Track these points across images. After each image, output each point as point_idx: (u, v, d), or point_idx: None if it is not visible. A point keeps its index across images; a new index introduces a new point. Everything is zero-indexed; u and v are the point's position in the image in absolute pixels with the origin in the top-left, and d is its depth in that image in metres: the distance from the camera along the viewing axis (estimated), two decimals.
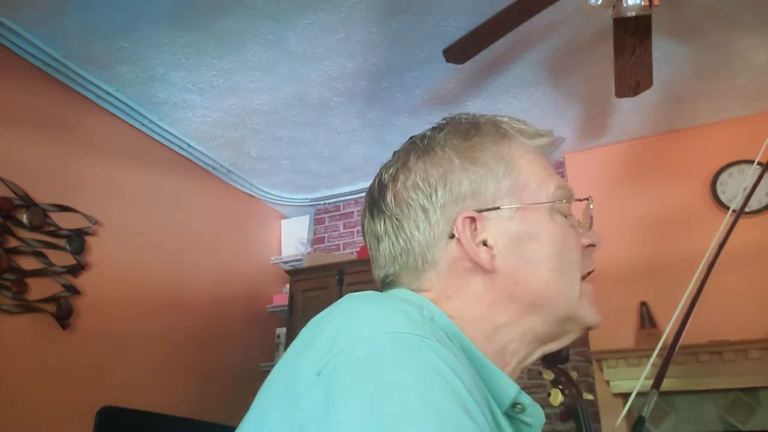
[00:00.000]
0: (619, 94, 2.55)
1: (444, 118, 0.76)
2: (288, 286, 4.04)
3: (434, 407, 0.44)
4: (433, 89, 3.18)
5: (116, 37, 2.71)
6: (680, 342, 1.15)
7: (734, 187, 3.37)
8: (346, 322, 0.53)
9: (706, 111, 3.48)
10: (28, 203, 2.69)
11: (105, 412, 1.78)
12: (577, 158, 3.87)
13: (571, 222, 0.72)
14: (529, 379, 3.33)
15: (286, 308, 4.00)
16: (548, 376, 1.48)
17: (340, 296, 0.59)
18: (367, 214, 0.75)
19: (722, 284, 2.87)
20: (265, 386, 0.55)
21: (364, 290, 0.62)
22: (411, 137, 0.76)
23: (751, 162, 3.07)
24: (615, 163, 3.78)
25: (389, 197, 0.71)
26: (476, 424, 0.45)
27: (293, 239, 4.51)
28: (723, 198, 3.41)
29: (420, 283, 0.69)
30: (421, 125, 0.78)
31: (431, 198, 0.68)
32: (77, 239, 2.90)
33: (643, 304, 3.37)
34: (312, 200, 4.51)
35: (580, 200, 0.75)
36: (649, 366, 1.23)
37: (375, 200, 0.73)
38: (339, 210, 4.50)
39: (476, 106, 3.31)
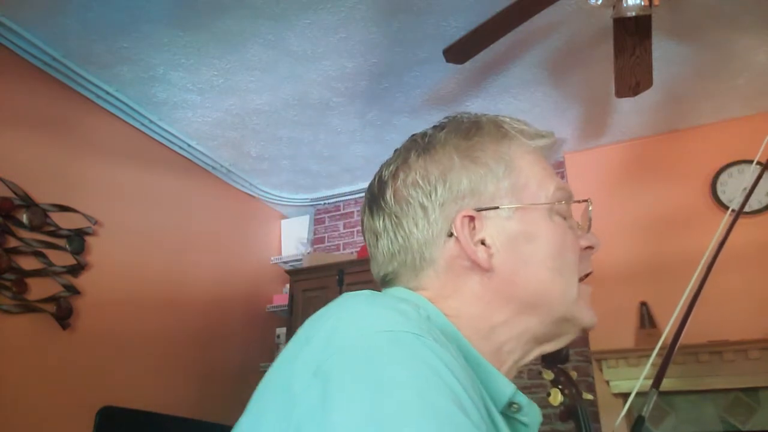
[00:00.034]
0: (619, 94, 2.55)
1: (445, 117, 0.76)
2: (288, 286, 4.04)
3: (431, 405, 0.45)
4: (433, 89, 3.18)
5: (116, 37, 2.71)
6: (680, 342, 1.15)
7: (734, 187, 3.37)
8: (342, 321, 0.53)
9: (706, 111, 3.48)
10: (28, 203, 2.69)
11: (105, 412, 1.78)
12: (577, 158, 3.87)
13: (570, 224, 0.72)
14: (529, 379, 3.33)
15: (286, 308, 4.00)
16: (548, 375, 1.48)
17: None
18: (366, 210, 0.75)
19: (722, 284, 2.87)
20: (261, 386, 0.55)
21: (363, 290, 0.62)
22: (412, 135, 0.76)
23: (751, 162, 3.07)
24: (615, 163, 3.78)
25: (389, 194, 0.71)
26: (472, 422, 0.46)
27: (293, 239, 4.51)
28: (723, 198, 3.41)
29: (418, 281, 0.69)
30: (421, 125, 0.78)
31: (431, 196, 0.68)
32: (77, 239, 2.90)
33: (643, 304, 3.37)
34: (312, 200, 4.51)
35: (579, 202, 0.75)
36: (648, 366, 1.23)
37: (375, 197, 0.73)
38: (339, 210, 4.50)
39: (476, 106, 3.31)
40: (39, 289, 2.69)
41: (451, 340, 0.57)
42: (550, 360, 1.48)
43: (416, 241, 0.68)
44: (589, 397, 1.49)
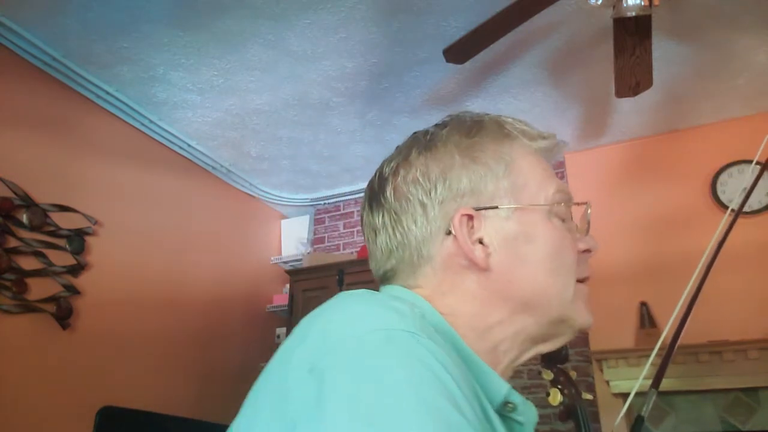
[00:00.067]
0: (619, 94, 2.55)
1: (448, 115, 0.76)
2: (288, 286, 4.04)
3: (425, 403, 0.45)
4: (433, 89, 3.18)
5: (116, 37, 2.71)
6: (680, 342, 1.15)
7: (734, 187, 3.37)
8: (338, 320, 0.53)
9: (706, 111, 3.48)
10: (28, 203, 2.69)
11: (105, 412, 1.78)
12: (577, 158, 3.87)
13: (569, 226, 0.71)
14: (529, 379, 3.34)
15: (286, 308, 4.00)
16: (547, 375, 1.48)
17: None
18: (366, 206, 0.75)
19: (722, 284, 2.86)
20: (257, 386, 0.55)
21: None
22: (414, 132, 0.76)
23: (751, 162, 3.07)
24: (615, 163, 3.78)
25: (389, 191, 0.71)
26: (467, 420, 0.46)
27: (293, 239, 4.51)
28: (723, 198, 3.41)
29: (416, 278, 0.69)
30: (421, 125, 0.78)
31: (430, 194, 0.68)
32: (77, 239, 2.90)
33: (643, 304, 3.37)
34: (312, 200, 4.52)
35: (578, 204, 0.75)
36: (648, 366, 1.23)
37: (375, 193, 0.74)
38: (339, 210, 4.50)
39: (476, 106, 3.31)
40: (39, 289, 2.69)
41: (446, 339, 0.57)
42: (550, 360, 1.47)
43: (414, 238, 0.69)
44: (589, 396, 1.49)
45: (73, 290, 2.83)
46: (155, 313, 3.30)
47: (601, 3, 2.12)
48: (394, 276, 0.71)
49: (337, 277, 3.73)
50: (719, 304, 2.95)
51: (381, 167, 0.75)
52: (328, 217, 4.53)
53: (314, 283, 3.80)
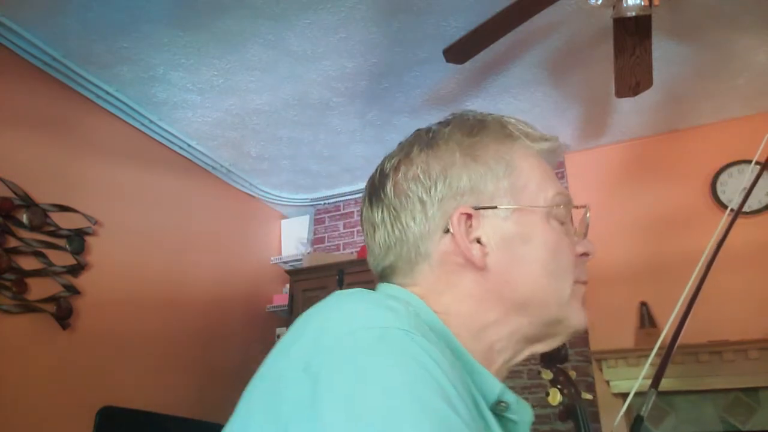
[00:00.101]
0: (619, 94, 2.55)
1: (451, 114, 0.76)
2: (288, 286, 4.04)
3: (420, 402, 0.45)
4: (433, 89, 3.18)
5: (116, 37, 2.71)
6: (680, 342, 1.15)
7: (734, 187, 3.37)
8: (332, 319, 0.53)
9: (706, 111, 3.48)
10: (28, 203, 2.69)
11: (105, 412, 1.79)
12: (577, 158, 3.87)
13: (567, 229, 0.72)
14: (529, 379, 3.34)
15: (286, 308, 4.00)
16: (547, 375, 1.48)
17: None
18: (366, 201, 0.75)
19: (722, 284, 2.87)
20: (252, 384, 0.55)
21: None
22: (417, 130, 0.76)
23: (751, 162, 3.07)
24: (615, 163, 3.78)
25: (389, 187, 0.72)
26: (461, 418, 0.46)
27: (293, 239, 4.51)
28: (723, 198, 3.41)
29: (413, 275, 0.69)
30: (420, 125, 0.78)
31: (430, 191, 0.68)
32: (77, 239, 2.90)
33: (643, 304, 3.37)
34: (312, 200, 4.52)
35: (577, 207, 0.75)
36: (647, 365, 1.23)
37: (375, 189, 0.74)
38: (339, 210, 4.50)
39: (476, 106, 3.31)
40: (39, 289, 2.69)
41: (440, 337, 0.57)
42: (549, 359, 1.48)
43: (412, 234, 0.69)
44: (588, 396, 1.49)
45: (73, 290, 2.83)
46: (155, 313, 3.30)
47: (601, 3, 2.12)
48: (393, 273, 0.71)
49: (337, 277, 3.73)
50: (719, 303, 2.95)
51: (382, 163, 0.75)
52: (328, 217, 4.53)
53: (314, 283, 3.80)
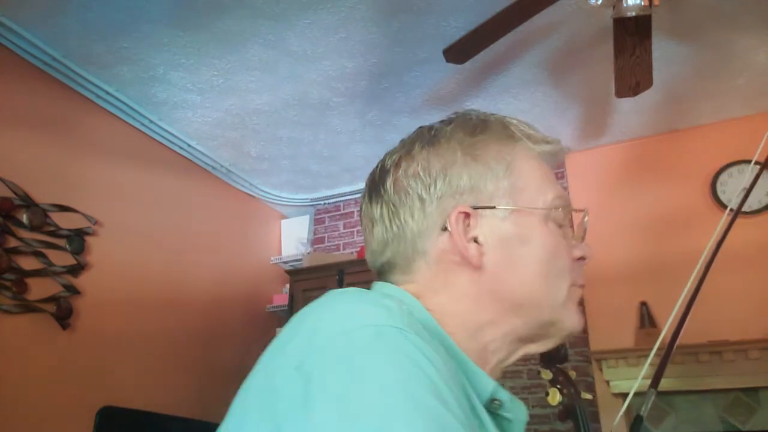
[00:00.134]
0: (619, 94, 2.55)
1: (454, 112, 0.76)
2: (288, 286, 4.04)
3: (413, 400, 0.45)
4: (433, 89, 3.18)
5: (116, 37, 2.71)
6: (680, 342, 1.15)
7: (734, 187, 3.37)
8: (325, 318, 0.54)
9: (706, 111, 3.48)
10: (28, 203, 2.69)
11: (105, 412, 1.79)
12: (577, 158, 3.87)
13: (565, 232, 0.72)
14: (529, 379, 3.34)
15: (286, 308, 4.00)
16: (546, 375, 1.48)
17: None
18: (366, 196, 0.76)
19: (722, 284, 2.87)
20: (246, 383, 0.56)
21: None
22: (419, 127, 0.76)
23: (751, 162, 3.07)
24: (615, 163, 3.78)
25: (389, 183, 0.72)
26: (454, 416, 0.46)
27: (293, 239, 4.51)
28: (723, 198, 3.41)
29: (410, 273, 0.70)
30: (421, 125, 0.78)
31: (430, 189, 0.69)
32: (77, 239, 2.90)
33: (643, 304, 3.37)
34: (312, 200, 4.52)
35: (576, 211, 0.76)
36: (646, 365, 1.23)
37: (375, 184, 0.74)
38: (339, 210, 4.50)
39: (476, 106, 3.31)
40: (39, 289, 2.69)
41: (434, 336, 0.57)
42: (549, 359, 1.48)
43: (410, 231, 0.69)
44: (588, 396, 1.49)
45: (73, 290, 2.83)
46: (155, 313, 3.30)
47: (601, 3, 2.12)
48: (390, 270, 0.72)
49: (337, 277, 3.73)
50: (719, 304, 2.95)
51: (383, 159, 0.76)
52: (328, 217, 4.53)
53: (314, 283, 3.80)
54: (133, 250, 3.23)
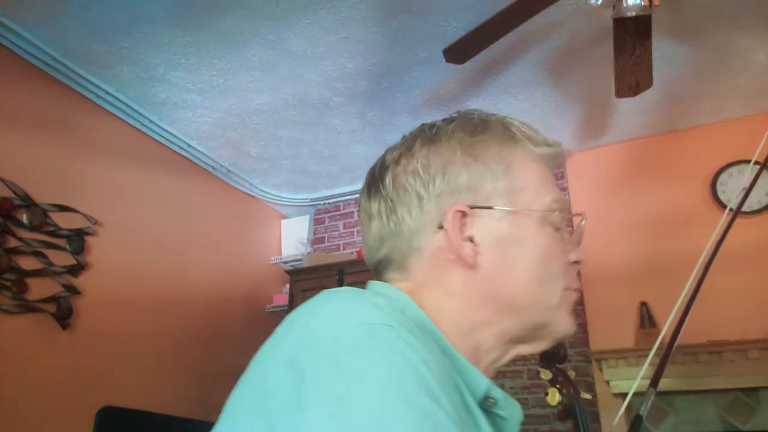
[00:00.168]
0: (619, 94, 2.55)
1: (456, 111, 0.77)
2: (288, 286, 4.04)
3: (404, 397, 0.45)
4: (433, 89, 3.18)
5: (116, 37, 2.71)
6: (680, 342, 1.15)
7: (734, 187, 3.37)
8: (319, 317, 0.54)
9: (706, 111, 3.48)
10: (28, 203, 2.69)
11: (105, 412, 1.79)
12: (577, 158, 3.87)
13: (561, 236, 0.72)
14: (529, 379, 3.34)
15: (286, 308, 4.00)
16: (545, 375, 1.48)
17: None
18: (365, 191, 0.76)
19: (722, 284, 2.87)
20: (240, 383, 0.56)
21: None
22: (421, 124, 0.76)
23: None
24: (615, 163, 3.78)
25: (388, 179, 0.72)
26: (446, 413, 0.46)
27: (293, 239, 4.51)
28: (723, 198, 3.41)
29: (406, 270, 0.70)
30: (422, 123, 0.78)
31: (428, 186, 0.69)
32: (77, 239, 2.90)
33: (643, 304, 3.37)
34: (312, 200, 4.52)
35: (573, 215, 0.76)
36: (646, 365, 1.23)
37: (374, 180, 0.75)
38: (339, 210, 4.50)
39: (476, 106, 3.31)
40: (39, 289, 2.69)
41: (427, 334, 0.58)
42: (548, 359, 1.48)
43: (407, 228, 0.69)
44: (587, 396, 1.49)
45: (73, 290, 2.83)
46: (155, 313, 3.30)
47: (601, 3, 2.12)
48: (387, 266, 0.72)
49: (337, 277, 3.73)
50: (719, 304, 2.95)
51: (384, 154, 0.76)
52: (328, 217, 4.53)
53: (314, 283, 3.80)
54: (133, 250, 3.23)
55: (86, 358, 2.85)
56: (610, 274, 3.44)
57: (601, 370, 3.33)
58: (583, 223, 0.76)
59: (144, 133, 3.41)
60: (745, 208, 3.24)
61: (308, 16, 2.60)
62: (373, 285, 0.71)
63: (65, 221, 2.85)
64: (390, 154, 0.75)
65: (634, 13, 2.10)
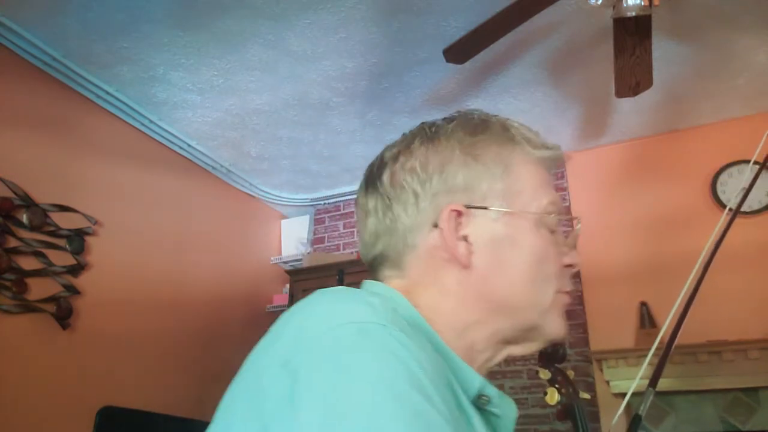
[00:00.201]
0: (619, 94, 2.55)
1: (457, 111, 0.77)
2: (288, 286, 4.04)
3: (397, 396, 0.45)
4: (433, 89, 3.18)
5: (116, 37, 2.72)
6: (680, 342, 1.15)
7: (734, 187, 3.37)
8: (311, 316, 0.54)
9: (706, 111, 3.48)
10: (28, 203, 2.69)
11: (105, 412, 1.79)
12: (577, 158, 3.87)
13: (556, 239, 0.72)
14: (529, 379, 3.34)
15: (286, 308, 3.98)
16: (544, 375, 1.48)
17: None
18: (362, 187, 0.76)
19: (722, 284, 2.87)
20: (234, 382, 0.56)
21: None
22: (421, 123, 0.77)
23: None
24: (615, 163, 3.78)
25: (386, 176, 0.72)
26: (438, 412, 0.46)
27: (293, 239, 4.51)
28: (723, 198, 3.41)
29: (401, 266, 0.70)
30: (423, 121, 0.79)
31: (425, 185, 0.69)
32: (77, 239, 2.90)
33: (643, 304, 3.37)
34: (312, 200, 4.52)
35: (569, 219, 0.76)
36: (644, 365, 1.23)
37: (372, 176, 0.75)
38: (339, 210, 4.50)
39: (476, 106, 3.31)
40: (39, 289, 2.69)
41: (420, 332, 0.58)
42: (547, 359, 1.48)
43: (402, 225, 0.70)
44: (586, 396, 1.49)
45: (73, 290, 2.83)
46: (155, 313, 3.30)
47: (601, 3, 2.12)
48: (382, 263, 0.73)
49: (337, 277, 3.72)
50: (719, 303, 2.95)
51: (383, 152, 0.76)
52: (328, 217, 4.53)
53: (314, 283, 3.79)
54: (133, 250, 3.23)
55: (86, 358, 2.85)
56: (610, 274, 3.44)
57: (601, 370, 3.33)
58: (578, 226, 0.77)
59: (144, 133, 3.41)
60: (745, 208, 3.24)
61: (308, 16, 2.60)
62: (368, 284, 0.71)
63: (65, 221, 2.86)
64: (389, 151, 0.75)
65: (634, 13, 2.10)
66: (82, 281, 2.90)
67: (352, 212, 4.42)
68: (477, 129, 0.72)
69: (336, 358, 0.48)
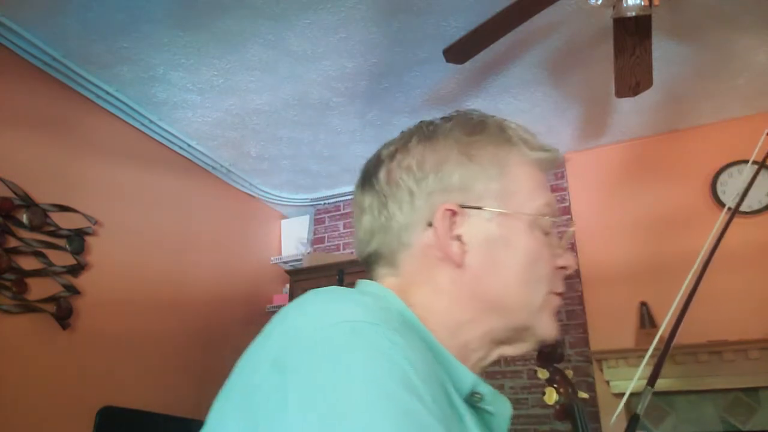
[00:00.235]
0: (619, 94, 2.55)
1: (455, 110, 0.77)
2: (288, 286, 4.04)
3: (386, 394, 0.46)
4: (433, 89, 3.18)
5: (116, 37, 2.72)
6: (680, 342, 1.15)
7: (734, 187, 3.37)
8: (303, 316, 0.54)
9: (706, 111, 3.48)
10: (28, 203, 2.69)
11: (105, 412, 1.79)
12: (577, 158, 3.87)
13: (550, 241, 0.72)
14: (528, 379, 3.34)
15: None
16: (543, 374, 1.48)
17: None
18: (359, 184, 0.77)
19: (722, 284, 2.87)
20: (227, 383, 0.56)
21: None
22: (420, 121, 0.77)
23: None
24: (615, 163, 3.78)
25: (382, 174, 0.73)
26: (428, 410, 0.47)
27: (293, 239, 4.51)
28: (723, 198, 3.41)
29: (395, 264, 0.71)
30: (422, 120, 0.79)
31: (420, 183, 0.69)
32: (77, 239, 2.90)
33: (643, 304, 3.37)
34: (312, 200, 4.52)
35: (564, 222, 0.76)
36: (643, 365, 1.23)
37: (369, 174, 0.75)
38: (339, 210, 4.51)
39: (476, 106, 3.31)
40: (39, 289, 2.69)
41: (412, 331, 0.58)
42: (546, 359, 1.48)
43: (397, 223, 0.70)
44: (585, 395, 1.49)
45: (73, 290, 2.83)
46: (155, 314, 3.30)
47: (601, 3, 2.12)
48: (377, 261, 0.73)
49: (337, 277, 3.72)
50: (719, 303, 2.95)
51: (380, 149, 0.76)
52: (328, 217, 4.53)
53: (314, 283, 3.78)
54: (133, 250, 3.23)
55: (86, 358, 2.85)
56: (610, 274, 3.44)
57: (601, 370, 3.32)
58: (572, 229, 0.77)
59: (144, 133, 3.41)
60: (744, 208, 3.24)
61: (308, 16, 2.60)
62: (362, 284, 0.71)
63: (65, 221, 2.86)
64: (386, 149, 0.75)
65: (634, 13, 2.10)
66: (82, 281, 2.90)
67: (352, 212, 4.42)
68: (474, 129, 0.72)
69: (327, 357, 0.48)
